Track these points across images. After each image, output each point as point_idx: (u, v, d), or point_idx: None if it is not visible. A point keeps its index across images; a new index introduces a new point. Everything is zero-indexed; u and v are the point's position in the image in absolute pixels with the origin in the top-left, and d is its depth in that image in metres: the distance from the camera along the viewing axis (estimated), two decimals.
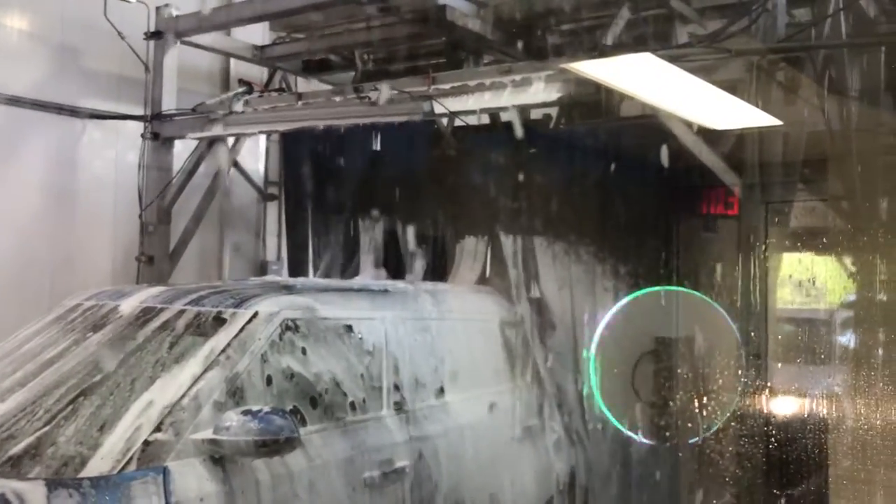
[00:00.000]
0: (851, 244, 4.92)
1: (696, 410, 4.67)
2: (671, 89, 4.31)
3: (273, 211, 7.98)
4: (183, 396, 3.33)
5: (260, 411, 3.23)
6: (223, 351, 3.55)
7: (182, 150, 6.83)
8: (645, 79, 4.19)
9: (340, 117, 5.77)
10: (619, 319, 4.94)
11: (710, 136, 4.82)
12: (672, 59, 4.15)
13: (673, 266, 5.68)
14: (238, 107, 6.29)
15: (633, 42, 5.25)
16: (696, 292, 5.05)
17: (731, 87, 4.39)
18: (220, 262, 7.73)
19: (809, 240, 5.46)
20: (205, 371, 3.45)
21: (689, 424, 4.68)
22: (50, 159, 6.47)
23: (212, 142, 6.74)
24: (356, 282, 5.50)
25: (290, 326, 3.81)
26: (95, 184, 6.71)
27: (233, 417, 3.21)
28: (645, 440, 4.94)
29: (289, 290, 4.27)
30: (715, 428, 4.71)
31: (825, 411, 4.77)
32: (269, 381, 3.61)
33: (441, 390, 4.52)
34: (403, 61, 6.76)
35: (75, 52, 6.60)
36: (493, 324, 5.19)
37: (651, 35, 5.38)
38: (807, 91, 4.72)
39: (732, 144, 4.94)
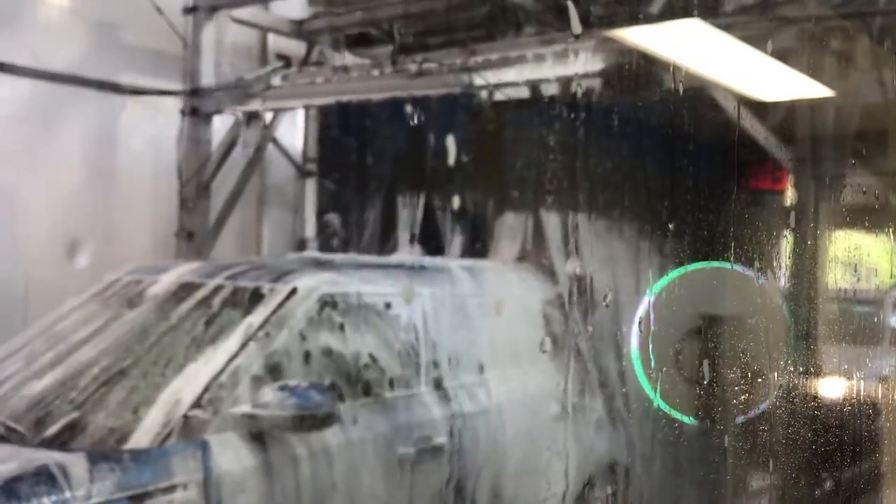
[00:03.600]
0: None
1: (743, 390, 4.55)
2: (719, 58, 4.17)
3: (312, 187, 7.95)
4: (221, 371, 3.33)
5: (298, 386, 3.25)
6: (262, 326, 3.54)
7: (221, 126, 6.82)
8: (692, 47, 4.06)
9: (379, 91, 5.69)
10: (664, 296, 4.82)
11: (759, 108, 4.66)
12: (721, 28, 4.01)
13: (719, 242, 5.53)
14: (276, 81, 6.24)
15: (680, 10, 5.08)
16: (743, 269, 4.90)
17: (783, 56, 4.23)
18: (259, 237, 7.73)
19: (862, 216, 5.28)
20: (243, 346, 3.45)
21: (736, 404, 4.56)
22: (90, 135, 6.50)
23: (250, 117, 6.71)
24: (394, 259, 5.46)
25: (328, 302, 3.79)
26: (135, 159, 6.72)
27: (270, 392, 3.22)
28: (689, 420, 4.83)
29: (327, 266, 4.27)
30: (762, 409, 4.59)
31: (879, 394, 4.63)
32: (307, 356, 3.62)
33: (480, 368, 4.48)
34: (442, 34, 6.65)
35: (114, 28, 6.59)
36: (533, 301, 5.11)
37: (699, 3, 5.21)
38: (862, 60, 4.53)
39: (783, 116, 4.78)
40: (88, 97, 6.39)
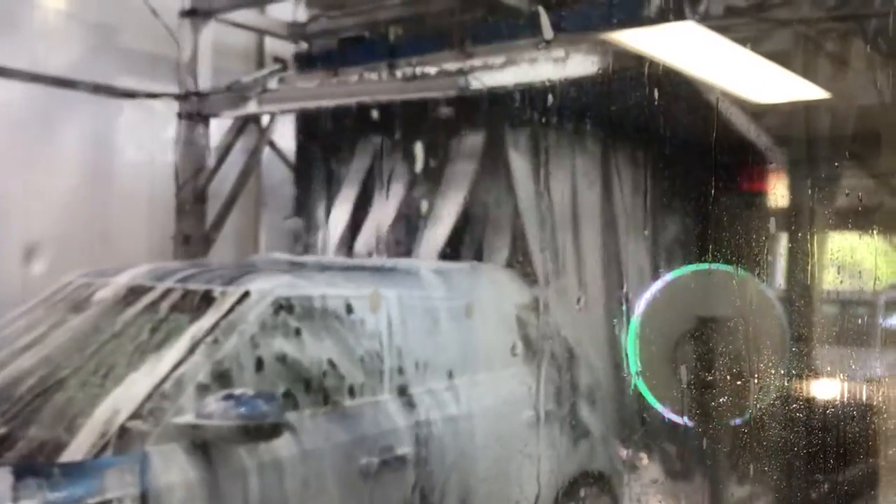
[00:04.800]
0: None
1: (739, 392, 4.55)
2: (714, 60, 4.17)
3: None
4: (164, 380, 3.17)
5: (244, 395, 3.09)
6: (210, 332, 3.37)
7: (218, 128, 6.82)
8: (687, 49, 4.07)
9: (375, 94, 5.69)
10: (659, 298, 4.81)
11: (754, 110, 4.67)
12: (716, 30, 4.02)
13: (714, 244, 5.53)
14: (272, 84, 6.24)
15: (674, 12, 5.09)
16: (738, 270, 4.91)
17: (778, 58, 4.24)
18: (257, 240, 7.73)
19: (857, 218, 5.28)
20: (190, 352, 3.28)
21: (732, 406, 4.56)
22: (86, 139, 6.49)
23: (247, 120, 6.72)
24: (359, 260, 5.30)
25: (283, 306, 3.62)
26: (131, 163, 6.72)
27: (214, 402, 3.06)
28: (685, 422, 4.83)
29: (284, 267, 4.10)
30: (758, 411, 4.58)
31: (873, 395, 4.62)
32: (259, 363, 3.44)
33: (449, 373, 4.31)
34: (438, 37, 6.65)
35: (111, 31, 6.60)
36: (508, 305, 4.94)
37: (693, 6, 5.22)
38: (857, 62, 4.54)
39: (777, 118, 4.79)
40: (85, 101, 6.39)
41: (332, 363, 3.71)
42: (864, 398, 4.71)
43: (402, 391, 4.00)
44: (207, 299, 3.57)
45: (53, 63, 6.20)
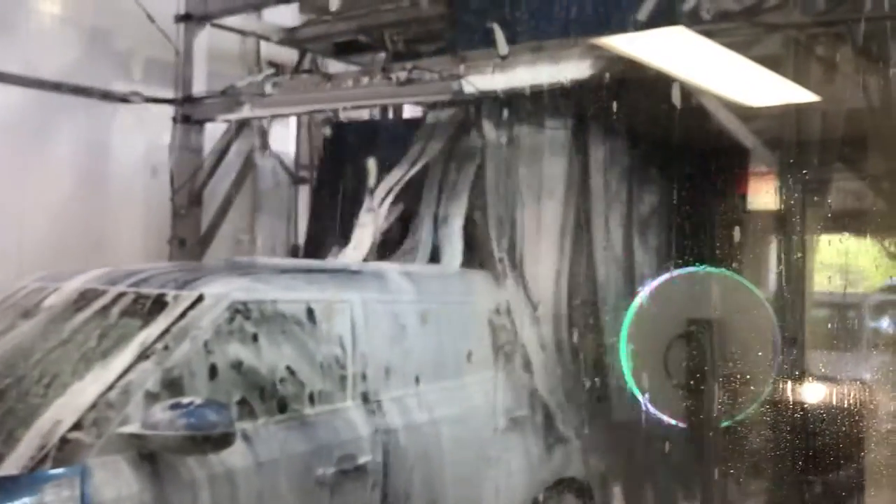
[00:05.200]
0: (892, 225, 4.78)
1: (730, 394, 4.57)
2: (706, 65, 4.20)
3: (304, 194, 7.97)
4: (110, 388, 3.04)
5: (191, 404, 2.95)
6: (160, 337, 3.24)
7: (213, 132, 6.85)
8: (678, 54, 4.09)
9: (369, 98, 5.72)
10: (651, 301, 4.84)
11: (746, 113, 4.70)
12: (707, 35, 4.05)
13: (708, 247, 5.57)
14: (267, 89, 6.26)
15: (666, 17, 5.12)
16: (731, 273, 4.93)
17: (769, 63, 4.27)
18: (252, 244, 7.75)
19: (849, 220, 5.32)
20: (138, 359, 3.16)
21: (723, 409, 4.58)
22: (81, 143, 6.51)
23: (242, 124, 6.74)
24: (324, 263, 5.14)
25: (239, 310, 3.48)
26: (127, 167, 6.75)
27: (160, 411, 2.93)
28: (676, 424, 4.84)
29: (243, 270, 3.96)
30: (748, 413, 4.61)
31: (862, 397, 4.65)
32: (213, 370, 3.31)
33: (416, 380, 4.20)
34: (433, 41, 6.69)
35: (106, 36, 6.62)
36: (479, 308, 4.83)
37: (685, 11, 5.25)
38: (847, 66, 4.57)
39: (769, 122, 4.82)
40: (79, 105, 6.42)
41: (290, 370, 3.59)
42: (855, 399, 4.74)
43: (366, 398, 3.90)
44: (160, 304, 3.46)
45: (49, 67, 6.22)
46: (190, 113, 6.65)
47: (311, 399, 3.65)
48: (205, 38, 6.71)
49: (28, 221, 6.05)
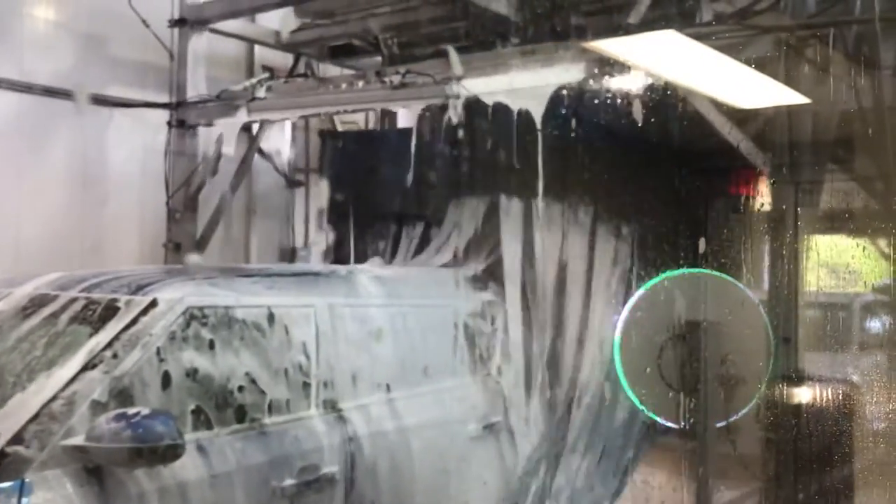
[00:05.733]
0: (884, 225, 4.80)
1: (724, 396, 4.59)
2: (697, 68, 4.22)
3: (300, 198, 7.98)
4: (53, 399, 2.91)
5: (137, 415, 2.82)
6: (109, 345, 3.12)
7: (209, 136, 6.85)
8: (670, 57, 4.11)
9: (363, 102, 5.73)
10: (644, 302, 4.85)
11: (737, 116, 4.72)
12: (698, 38, 4.07)
13: (701, 248, 5.58)
14: (261, 93, 6.27)
15: (658, 20, 5.14)
16: (724, 275, 4.95)
17: (760, 65, 4.29)
18: (248, 248, 7.76)
19: (840, 221, 5.34)
20: (85, 368, 3.03)
21: (716, 410, 4.59)
22: (76, 148, 6.52)
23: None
24: (289, 266, 5.06)
25: (195, 316, 3.36)
26: (122, 171, 6.75)
27: (105, 423, 2.80)
28: (670, 425, 4.86)
29: (201, 274, 3.84)
30: (741, 414, 4.62)
31: (855, 397, 4.67)
32: (166, 378, 3.19)
33: (386, 386, 4.09)
34: (428, 45, 6.70)
35: (101, 41, 6.63)
36: (454, 310, 4.72)
37: (677, 14, 5.27)
38: (838, 68, 4.59)
39: (761, 124, 4.84)
40: (75, 110, 6.42)
41: (250, 377, 3.47)
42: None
43: (331, 406, 3.77)
44: (111, 309, 3.32)
45: (44, 73, 6.23)
46: (185, 117, 6.66)
47: (272, 408, 3.52)
48: (199, 42, 6.72)
49: (24, 226, 6.05)
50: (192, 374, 3.28)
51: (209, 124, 6.62)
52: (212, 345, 3.38)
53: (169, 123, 6.69)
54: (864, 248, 4.90)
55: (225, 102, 6.51)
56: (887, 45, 4.85)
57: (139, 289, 3.44)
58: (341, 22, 6.86)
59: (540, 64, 5.05)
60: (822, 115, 4.74)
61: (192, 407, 3.24)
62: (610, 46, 4.27)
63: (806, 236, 4.94)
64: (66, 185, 6.44)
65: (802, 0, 4.47)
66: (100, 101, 6.55)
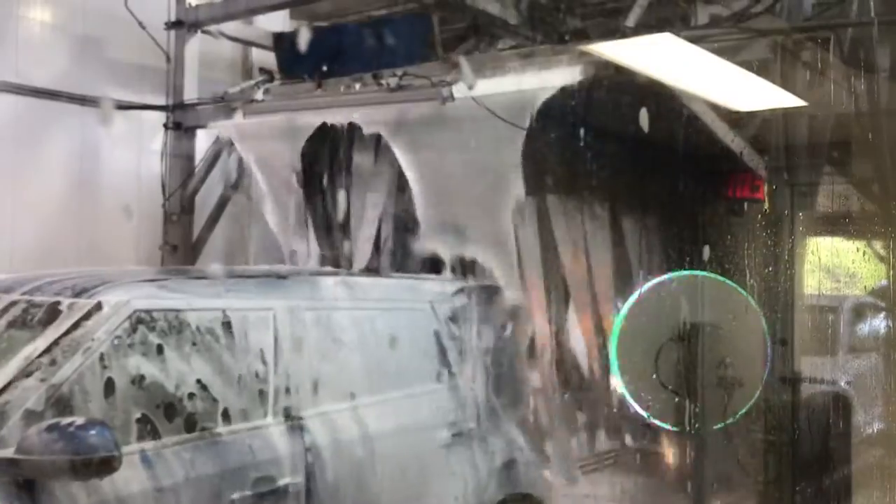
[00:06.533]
0: (881, 228, 4.81)
1: (721, 398, 4.59)
2: (694, 71, 4.23)
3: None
4: None
5: (70, 425, 2.67)
6: (48, 350, 2.98)
7: (205, 139, 6.86)
8: (667, 60, 4.12)
9: (359, 104, 5.73)
10: (642, 304, 4.86)
11: (734, 118, 4.73)
12: (695, 41, 4.08)
13: (698, 250, 5.60)
14: (258, 95, 6.28)
15: (655, 24, 5.16)
16: (721, 277, 4.96)
17: (756, 68, 4.30)
18: (245, 250, 7.74)
19: (837, 223, 5.35)
20: (20, 376, 2.89)
21: (714, 412, 4.60)
22: (73, 150, 6.52)
23: None
24: (249, 268, 4.87)
25: (143, 320, 3.20)
26: (119, 173, 6.75)
27: (35, 434, 2.65)
28: (669, 427, 4.86)
29: (153, 277, 3.66)
30: (739, 417, 4.63)
31: (853, 400, 4.68)
32: (109, 386, 3.03)
33: (352, 394, 3.94)
34: None
35: (97, 43, 6.62)
36: (425, 314, 4.55)
37: (674, 17, 5.29)
38: (834, 71, 4.60)
39: (758, 127, 4.85)
40: (71, 112, 6.42)
41: (202, 384, 3.31)
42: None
43: (290, 414, 3.61)
44: (53, 313, 3.17)
45: (40, 75, 6.22)
46: (181, 119, 6.66)
47: (226, 416, 3.37)
48: (196, 45, 6.72)
49: (20, 228, 6.05)
50: (138, 381, 3.13)
51: (206, 126, 6.62)
52: (160, 350, 3.23)
53: (165, 125, 6.69)
54: (862, 252, 4.91)
55: (222, 104, 6.51)
56: (883, 48, 4.88)
57: (83, 291, 3.27)
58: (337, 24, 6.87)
59: (537, 66, 5.06)
60: (818, 117, 4.75)
61: (137, 416, 3.08)
62: (607, 49, 4.28)
63: (803, 239, 4.95)
64: (63, 187, 6.43)
65: (799, 3, 4.49)
66: (96, 102, 6.54)
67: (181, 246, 6.68)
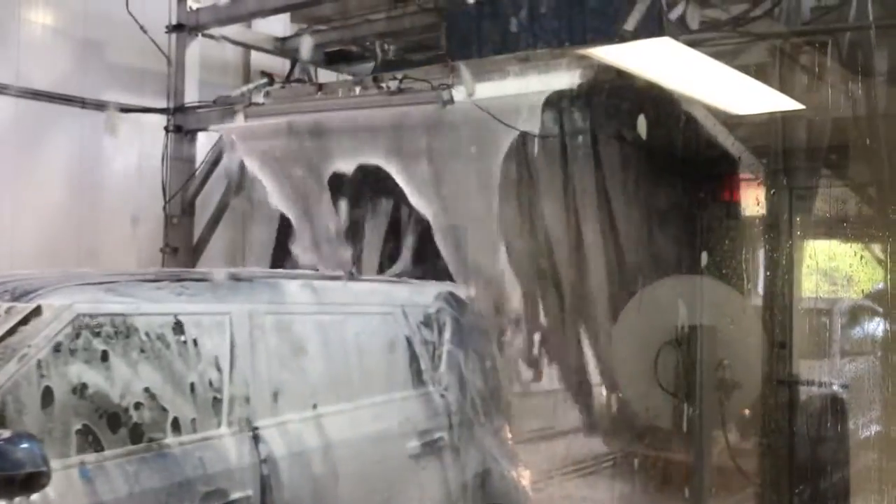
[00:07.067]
0: (879, 231, 4.83)
1: (719, 401, 4.60)
2: (692, 74, 4.24)
3: None
4: None
5: None
6: None
7: (206, 142, 6.88)
8: (665, 64, 4.13)
9: (360, 107, 5.75)
10: (639, 308, 4.87)
11: (732, 122, 4.75)
12: (693, 44, 4.09)
13: (696, 254, 5.61)
14: (258, 98, 6.30)
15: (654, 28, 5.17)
16: (719, 281, 4.98)
17: (754, 72, 4.32)
18: (244, 252, 7.76)
19: (835, 227, 5.37)
20: None
21: (712, 415, 4.61)
22: (74, 153, 6.54)
23: None
24: (207, 271, 4.58)
25: (87, 325, 3.04)
26: (120, 176, 6.77)
27: None
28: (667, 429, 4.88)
29: (99, 279, 3.45)
30: (736, 420, 4.65)
31: (851, 402, 4.69)
32: (47, 395, 2.86)
33: (312, 401, 3.77)
34: (423, 51, 6.73)
35: (98, 47, 6.65)
36: (395, 319, 4.39)
37: (673, 21, 5.30)
38: (832, 75, 4.62)
39: (756, 130, 4.86)
40: (72, 115, 6.44)
41: (150, 393, 3.15)
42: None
43: (246, 424, 3.45)
44: None
45: (41, 78, 6.25)
46: (182, 123, 6.68)
47: (176, 426, 3.21)
48: (196, 48, 6.74)
49: (20, 231, 6.06)
50: (79, 389, 2.95)
51: (206, 129, 6.65)
52: (105, 357, 3.07)
53: (166, 128, 6.71)
54: (859, 256, 4.92)
55: (222, 108, 6.53)
56: (881, 52, 4.90)
57: (23, 294, 3.10)
58: (338, 28, 6.90)
59: (536, 70, 5.08)
60: (816, 121, 4.76)
61: (77, 427, 2.91)
62: (605, 53, 4.29)
63: (801, 242, 4.96)
64: (63, 190, 6.45)
65: (797, 8, 4.50)
66: (97, 106, 6.57)
67: (182, 249, 6.70)
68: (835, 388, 5.21)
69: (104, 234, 6.63)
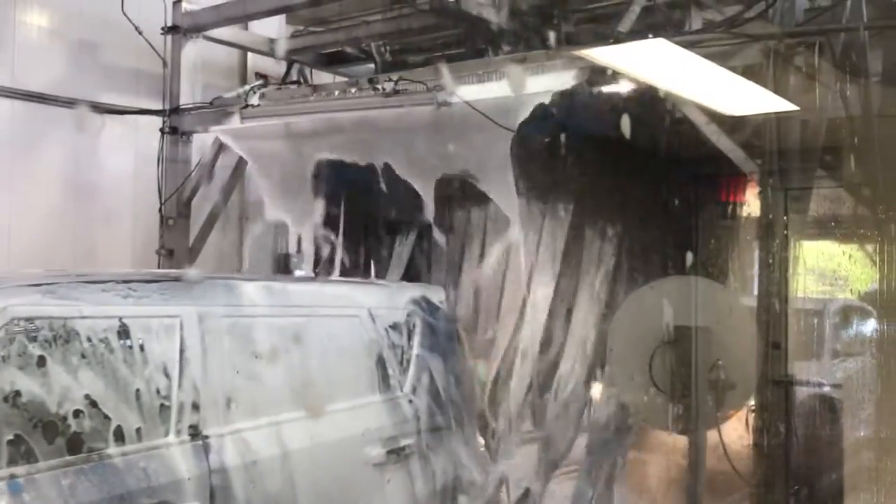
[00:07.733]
0: (873, 231, 4.83)
1: (714, 401, 4.61)
2: (687, 76, 4.26)
3: None
4: None
5: None
6: None
7: (202, 144, 6.87)
8: (660, 66, 4.15)
9: (356, 109, 5.75)
10: (635, 309, 4.89)
11: (727, 123, 4.75)
12: (688, 46, 4.10)
13: (691, 254, 5.62)
14: (254, 100, 6.29)
15: (649, 29, 5.18)
16: (714, 281, 4.99)
17: (748, 73, 4.33)
18: (241, 255, 7.76)
19: (830, 227, 5.38)
20: None
21: (707, 415, 4.62)
22: (70, 154, 6.53)
23: None
24: (156, 272, 4.61)
25: (24, 329, 2.90)
26: (115, 178, 6.77)
27: None
28: (663, 430, 4.89)
29: (38, 280, 3.27)
30: (730, 419, 4.66)
31: (845, 402, 4.69)
32: None
33: (272, 408, 3.64)
34: (420, 52, 6.74)
35: (94, 48, 6.65)
36: (363, 323, 4.27)
37: (667, 22, 5.31)
38: (826, 76, 4.63)
39: (750, 131, 4.87)
40: (68, 117, 6.43)
41: (91, 401, 3.01)
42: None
43: (196, 433, 3.31)
44: None
45: (36, 79, 6.24)
46: (177, 124, 6.68)
47: (119, 436, 3.08)
48: (192, 50, 6.74)
49: (16, 233, 6.06)
50: (11, 397, 2.81)
51: (202, 131, 6.64)
52: (42, 362, 2.93)
53: (162, 130, 6.70)
54: (849, 256, 4.93)
55: (218, 109, 6.53)
56: (874, 53, 4.91)
57: None
58: (334, 30, 6.90)
59: (531, 71, 5.08)
60: (811, 122, 4.77)
61: (9, 437, 2.78)
62: (600, 54, 4.30)
63: (795, 242, 4.97)
64: (59, 192, 6.45)
65: (791, 9, 4.51)
66: (92, 107, 6.56)
67: (177, 250, 6.70)
68: (826, 388, 5.24)
69: (100, 237, 6.63)
